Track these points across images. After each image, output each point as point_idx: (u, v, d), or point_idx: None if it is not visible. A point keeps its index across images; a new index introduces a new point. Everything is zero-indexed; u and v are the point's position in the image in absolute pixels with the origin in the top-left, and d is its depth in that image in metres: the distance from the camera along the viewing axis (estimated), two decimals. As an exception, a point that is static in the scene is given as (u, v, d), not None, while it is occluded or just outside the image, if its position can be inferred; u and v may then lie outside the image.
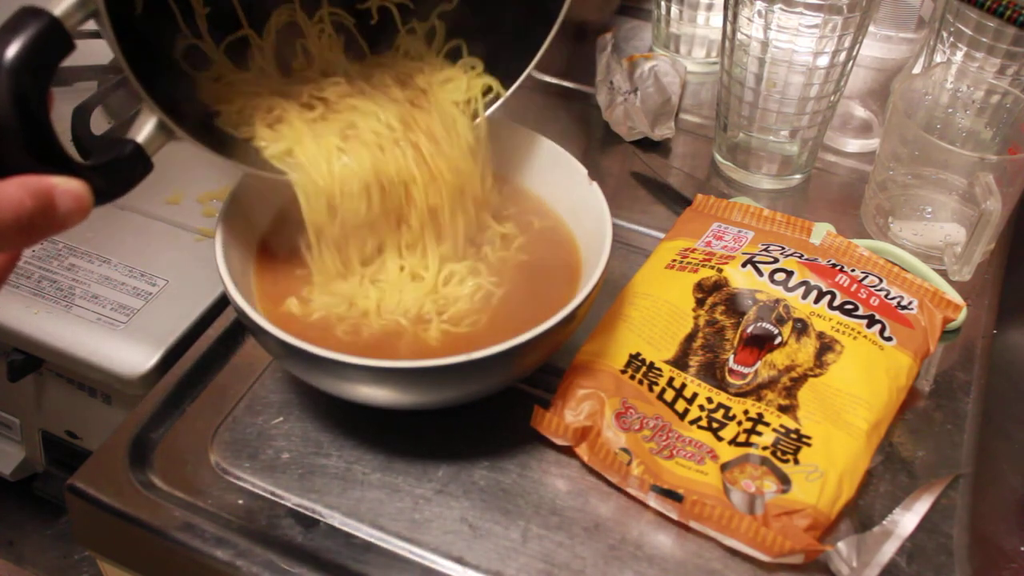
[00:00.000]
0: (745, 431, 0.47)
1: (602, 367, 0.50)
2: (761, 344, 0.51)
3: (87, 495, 0.47)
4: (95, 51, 0.37)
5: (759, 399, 0.49)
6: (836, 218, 0.65)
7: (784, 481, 0.45)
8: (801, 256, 0.56)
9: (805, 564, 0.44)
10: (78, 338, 0.57)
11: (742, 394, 0.49)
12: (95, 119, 0.64)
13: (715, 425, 0.48)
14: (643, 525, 0.46)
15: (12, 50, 0.34)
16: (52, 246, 0.62)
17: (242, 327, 0.55)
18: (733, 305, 0.53)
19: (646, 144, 0.71)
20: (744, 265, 0.55)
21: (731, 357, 0.51)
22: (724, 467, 0.46)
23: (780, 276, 0.54)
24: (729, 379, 0.50)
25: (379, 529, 0.46)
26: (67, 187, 0.35)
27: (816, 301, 0.53)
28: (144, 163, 0.41)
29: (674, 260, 0.57)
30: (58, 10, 0.35)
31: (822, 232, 0.58)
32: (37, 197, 0.34)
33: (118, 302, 0.58)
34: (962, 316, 0.56)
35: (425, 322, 0.49)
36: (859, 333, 0.51)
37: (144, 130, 0.41)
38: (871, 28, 0.72)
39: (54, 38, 0.35)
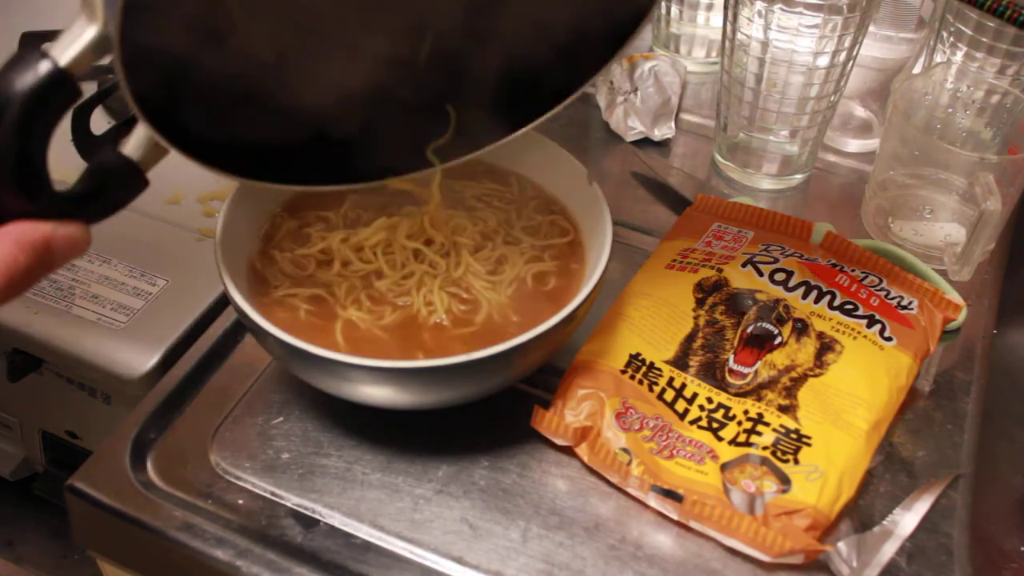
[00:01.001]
0: (745, 431, 0.47)
1: (602, 367, 0.50)
2: (761, 344, 0.51)
3: (87, 495, 0.47)
4: (95, 51, 0.37)
5: (759, 399, 0.49)
6: (836, 218, 0.65)
7: (784, 481, 0.45)
8: (801, 256, 0.56)
9: (805, 564, 0.44)
10: (78, 338, 0.57)
11: (742, 394, 0.49)
12: (95, 119, 0.63)
13: (715, 425, 0.48)
14: (643, 525, 0.46)
15: (21, 90, 0.33)
16: (52, 246, 0.62)
17: (242, 327, 0.55)
18: (733, 305, 0.53)
19: (646, 144, 0.71)
20: (744, 265, 0.55)
21: (731, 357, 0.51)
22: (724, 467, 0.46)
23: (780, 276, 0.54)
24: (729, 379, 0.50)
25: (379, 529, 0.46)
26: (63, 233, 0.35)
27: (816, 301, 0.53)
28: (138, 181, 0.40)
29: (674, 260, 0.57)
30: (64, 62, 0.34)
31: (822, 232, 0.58)
32: (31, 251, 0.33)
33: (118, 302, 0.58)
34: (962, 316, 0.56)
35: (425, 322, 0.49)
36: (859, 333, 0.51)
37: (140, 147, 0.39)
38: (871, 28, 0.72)
39: (61, 87, 0.34)
